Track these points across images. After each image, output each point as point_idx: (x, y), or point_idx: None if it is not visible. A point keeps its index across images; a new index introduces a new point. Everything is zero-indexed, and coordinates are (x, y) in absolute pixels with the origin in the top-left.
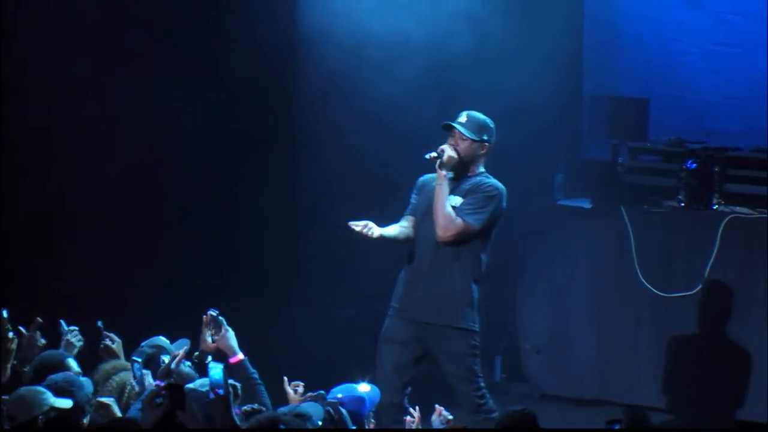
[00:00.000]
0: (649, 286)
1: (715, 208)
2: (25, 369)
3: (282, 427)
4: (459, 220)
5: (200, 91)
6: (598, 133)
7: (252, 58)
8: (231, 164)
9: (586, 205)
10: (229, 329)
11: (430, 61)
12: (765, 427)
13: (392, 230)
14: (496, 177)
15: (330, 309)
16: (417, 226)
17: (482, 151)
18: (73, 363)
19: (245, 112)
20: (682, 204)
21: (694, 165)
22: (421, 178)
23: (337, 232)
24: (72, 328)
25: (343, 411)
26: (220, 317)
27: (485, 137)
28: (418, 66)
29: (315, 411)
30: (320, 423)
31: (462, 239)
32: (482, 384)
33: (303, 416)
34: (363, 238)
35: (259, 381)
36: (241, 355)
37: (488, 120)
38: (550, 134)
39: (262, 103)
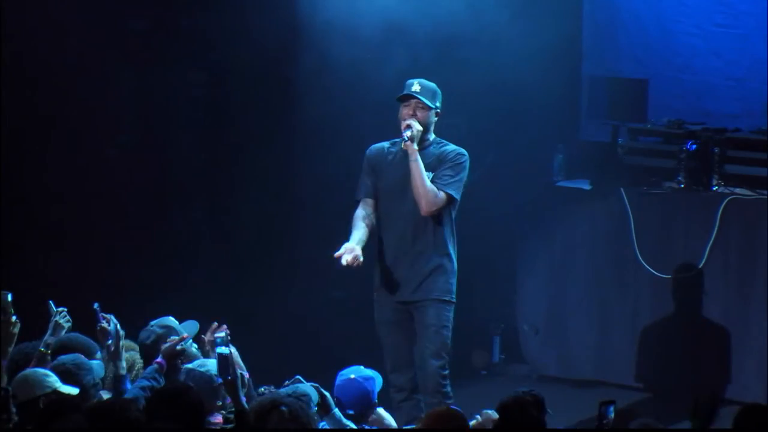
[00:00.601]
0: (648, 267)
1: (714, 189)
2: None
3: (283, 408)
4: (442, 194)
5: (199, 75)
6: (597, 114)
7: (250, 42)
8: (229, 149)
9: (586, 186)
10: (233, 349)
11: (428, 43)
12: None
13: (363, 232)
14: (495, 158)
15: (324, 291)
16: (387, 206)
17: (435, 118)
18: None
19: (244, 96)
20: (682, 185)
21: (694, 146)
22: (371, 152)
23: (332, 215)
24: (60, 309)
25: (326, 393)
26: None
27: (438, 103)
28: (416, 48)
29: (312, 392)
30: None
31: (443, 210)
32: (447, 365)
33: (304, 396)
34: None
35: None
36: (246, 374)
37: (436, 85)
38: (549, 115)
39: (260, 87)
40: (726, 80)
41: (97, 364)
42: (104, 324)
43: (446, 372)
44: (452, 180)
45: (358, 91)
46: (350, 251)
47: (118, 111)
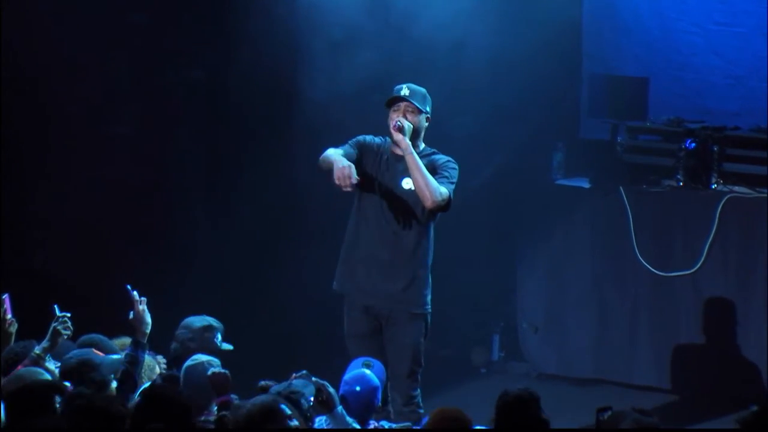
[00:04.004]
0: (647, 265)
1: (713, 187)
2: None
3: (268, 409)
4: (444, 189)
5: (199, 74)
6: (597, 112)
7: (251, 40)
8: (229, 147)
9: (585, 184)
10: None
11: (429, 43)
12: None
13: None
14: (493, 156)
15: (325, 288)
16: (366, 208)
17: (426, 124)
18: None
19: (244, 94)
20: (681, 183)
21: (693, 144)
22: (369, 137)
23: (332, 213)
24: (62, 315)
25: (331, 390)
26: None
27: (428, 108)
28: (417, 48)
29: (307, 388)
30: (312, 399)
31: (441, 209)
32: (419, 378)
33: (297, 393)
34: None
35: None
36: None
37: (426, 91)
38: (549, 113)
39: (261, 85)
40: (726, 78)
41: (112, 360)
42: (141, 308)
43: (417, 383)
44: (448, 181)
45: (359, 91)
46: (346, 176)
47: (119, 110)
